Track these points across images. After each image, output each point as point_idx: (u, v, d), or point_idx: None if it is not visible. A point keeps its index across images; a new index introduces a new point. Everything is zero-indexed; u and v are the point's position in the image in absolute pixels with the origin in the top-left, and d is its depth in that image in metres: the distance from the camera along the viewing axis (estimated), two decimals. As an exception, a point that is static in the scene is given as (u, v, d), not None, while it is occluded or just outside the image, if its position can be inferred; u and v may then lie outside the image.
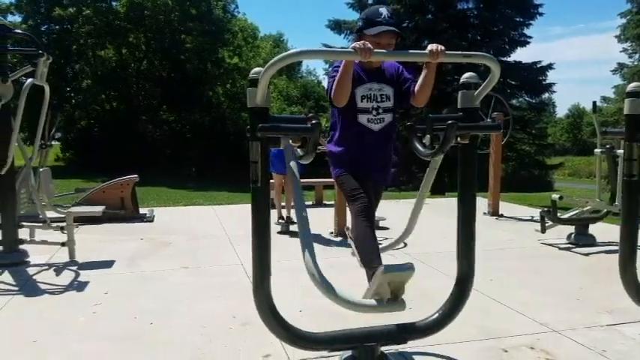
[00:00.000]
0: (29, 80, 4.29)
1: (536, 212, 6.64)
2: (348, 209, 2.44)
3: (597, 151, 5.38)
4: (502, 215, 7.06)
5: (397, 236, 2.51)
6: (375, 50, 1.95)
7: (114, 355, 2.60)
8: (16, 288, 3.74)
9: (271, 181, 4.80)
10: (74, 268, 4.26)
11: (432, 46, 2.00)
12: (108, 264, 4.40)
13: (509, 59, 20.34)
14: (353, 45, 1.95)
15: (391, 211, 5.63)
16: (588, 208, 5.36)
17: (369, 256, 2.17)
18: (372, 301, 2.08)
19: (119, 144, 20.91)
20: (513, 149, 20.14)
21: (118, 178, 6.82)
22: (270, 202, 2.11)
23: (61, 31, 22.66)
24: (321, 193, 8.43)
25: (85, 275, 4.03)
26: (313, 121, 1.94)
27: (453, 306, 2.23)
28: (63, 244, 4.50)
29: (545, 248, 5.09)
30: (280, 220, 5.85)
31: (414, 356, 2.49)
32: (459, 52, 2.09)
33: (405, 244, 5.07)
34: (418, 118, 2.41)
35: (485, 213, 7.08)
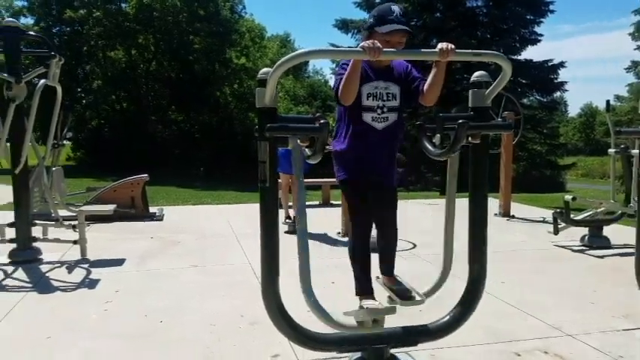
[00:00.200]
0: (42, 81, 4.34)
1: (548, 213, 6.56)
2: None
3: (611, 151, 5.29)
4: (513, 216, 7.00)
5: (437, 278, 2.34)
6: (385, 49, 1.94)
7: (126, 352, 2.62)
8: (29, 285, 3.79)
9: (278, 180, 4.80)
10: (86, 265, 4.31)
11: (441, 45, 1.98)
12: (119, 262, 4.44)
13: (519, 57, 20.14)
14: (362, 44, 1.94)
15: (399, 211, 5.72)
16: (602, 209, 5.27)
17: (360, 278, 2.40)
18: (353, 322, 2.26)
19: (129, 144, 21.08)
20: (524, 149, 19.95)
21: (129, 178, 6.88)
22: (278, 202, 2.10)
23: (72, 33, 22.92)
24: (328, 192, 8.42)
25: (96, 273, 4.07)
26: (321, 121, 1.93)
27: (464, 309, 2.21)
28: (75, 242, 4.55)
29: (557, 250, 5.02)
30: (287, 220, 5.85)
31: (423, 359, 2.47)
32: (470, 51, 2.06)
33: (414, 245, 5.05)
34: (427, 117, 2.38)
35: (496, 214, 7.02)
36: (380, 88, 2.34)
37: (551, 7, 20.13)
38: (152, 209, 7.12)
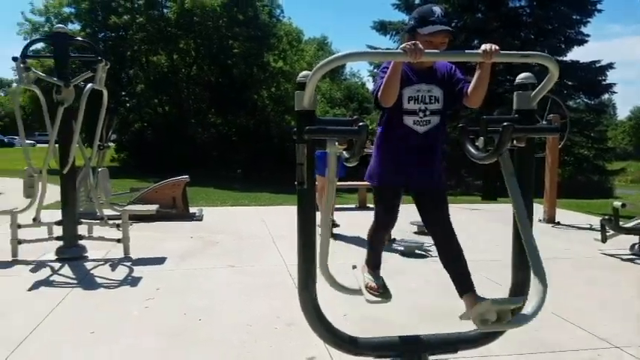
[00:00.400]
0: (89, 85, 4.52)
1: (595, 220, 6.28)
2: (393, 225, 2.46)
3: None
4: (559, 223, 6.71)
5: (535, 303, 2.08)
6: (426, 50, 1.90)
7: (166, 349, 2.68)
8: (75, 281, 3.95)
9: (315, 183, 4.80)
10: (128, 263, 4.45)
11: (485, 46, 1.93)
12: (160, 260, 4.56)
13: (565, 58, 19.41)
14: (403, 46, 1.90)
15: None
16: (654, 216, 5.01)
17: (371, 262, 2.41)
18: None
19: (170, 146, 21.68)
20: (570, 153, 19.17)
21: (170, 179, 7.08)
22: (315, 204, 2.10)
23: (116, 38, 23.79)
24: (364, 195, 8.36)
25: (138, 271, 4.20)
26: (360, 123, 1.92)
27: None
28: (118, 241, 4.71)
29: (605, 259, 4.79)
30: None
31: (463, 367, 2.40)
32: (516, 52, 2.01)
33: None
34: (469, 120, 2.31)
35: (540, 220, 6.75)
36: (422, 91, 2.29)
37: (598, 7, 19.31)
38: (192, 210, 7.28)
